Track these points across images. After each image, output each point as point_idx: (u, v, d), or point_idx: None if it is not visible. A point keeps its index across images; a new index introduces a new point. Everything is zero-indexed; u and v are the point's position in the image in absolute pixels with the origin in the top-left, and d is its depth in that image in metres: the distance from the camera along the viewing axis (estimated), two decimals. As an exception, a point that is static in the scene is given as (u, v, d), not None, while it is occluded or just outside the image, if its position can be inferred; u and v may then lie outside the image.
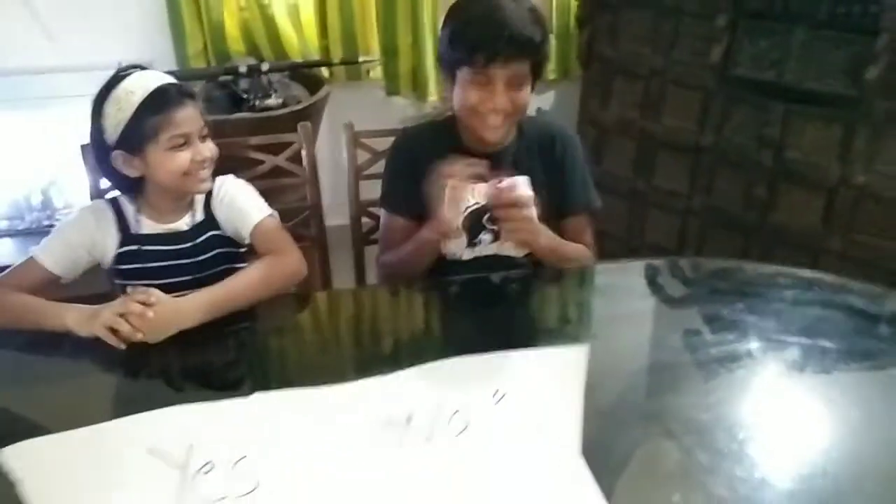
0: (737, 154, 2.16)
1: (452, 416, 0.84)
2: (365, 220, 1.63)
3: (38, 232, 2.26)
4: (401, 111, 2.68)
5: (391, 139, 1.55)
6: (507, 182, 1.27)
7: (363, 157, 1.60)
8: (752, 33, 2.05)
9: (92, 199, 1.49)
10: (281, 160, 1.55)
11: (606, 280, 1.45)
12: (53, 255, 1.26)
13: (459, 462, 0.86)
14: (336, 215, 1.74)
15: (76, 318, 1.14)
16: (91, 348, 1.11)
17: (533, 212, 1.30)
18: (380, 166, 1.56)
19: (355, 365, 1.17)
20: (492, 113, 1.31)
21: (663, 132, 2.32)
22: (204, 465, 0.79)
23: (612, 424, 0.99)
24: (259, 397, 0.77)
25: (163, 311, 1.13)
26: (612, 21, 2.38)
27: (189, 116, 1.25)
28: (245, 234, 1.34)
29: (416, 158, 1.42)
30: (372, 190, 1.57)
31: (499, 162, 1.40)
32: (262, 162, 1.54)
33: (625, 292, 1.36)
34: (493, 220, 1.40)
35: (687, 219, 2.35)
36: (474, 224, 1.40)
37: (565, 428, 0.89)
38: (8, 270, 1.24)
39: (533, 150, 1.44)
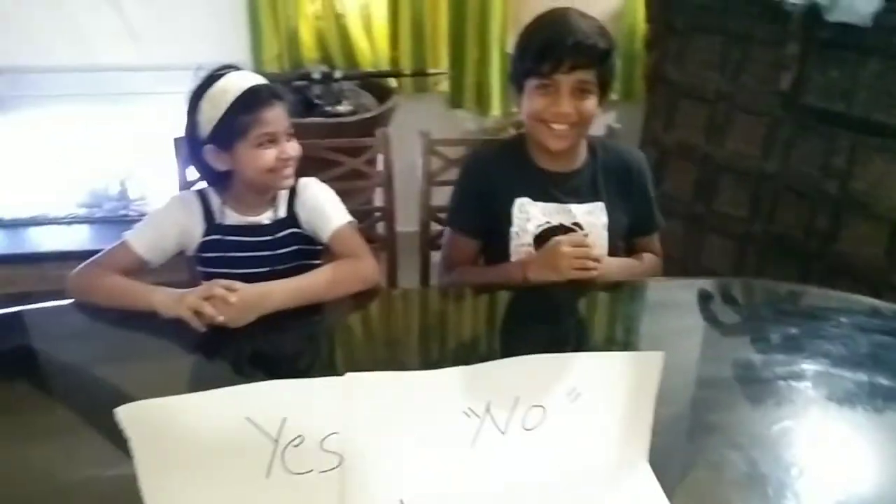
0: (801, 182, 2.16)
1: (528, 410, 0.88)
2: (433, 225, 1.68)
3: (113, 220, 2.37)
4: (463, 124, 2.74)
5: (461, 148, 1.60)
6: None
7: (435, 163, 1.65)
8: (823, 62, 2.05)
9: (180, 189, 1.58)
10: (359, 163, 1.61)
11: (671, 295, 1.47)
12: (145, 241, 1.32)
13: (532, 456, 0.89)
14: (402, 221, 1.79)
15: (163, 300, 1.21)
16: (181, 328, 1.18)
17: (603, 256, 1.35)
18: (450, 174, 1.61)
19: (435, 357, 1.25)
20: (557, 120, 1.35)
21: (726, 157, 2.33)
22: (294, 439, 0.83)
23: (676, 434, 1.01)
24: (351, 377, 0.81)
25: (245, 297, 1.20)
26: (680, 45, 2.40)
27: (277, 116, 1.31)
28: (324, 235, 1.39)
29: (486, 179, 1.47)
30: (441, 197, 1.62)
31: (574, 182, 1.45)
32: (338, 164, 1.60)
33: (688, 308, 1.38)
34: None
35: (745, 245, 2.34)
36: (546, 241, 1.43)
37: (636, 432, 0.92)
38: (102, 253, 1.31)
39: (607, 173, 1.47)
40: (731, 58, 2.26)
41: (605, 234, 1.46)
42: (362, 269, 1.35)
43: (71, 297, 1.26)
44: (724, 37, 2.27)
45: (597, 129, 1.61)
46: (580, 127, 1.38)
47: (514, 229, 1.45)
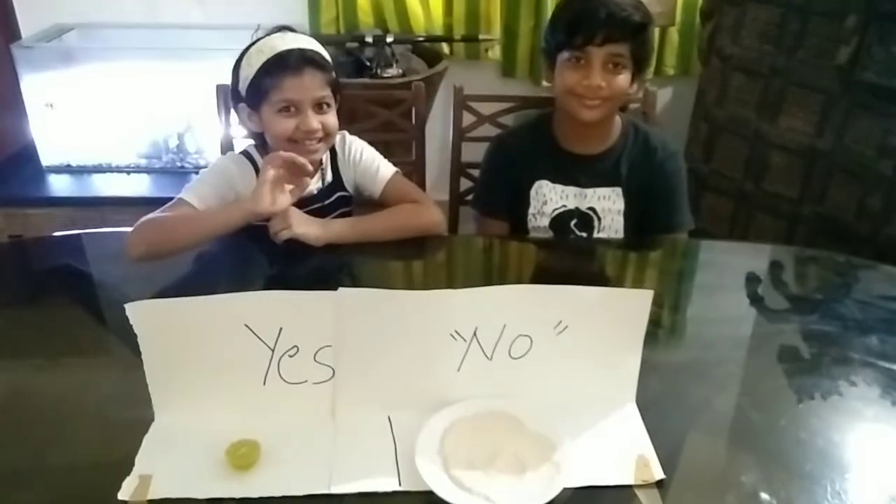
0: (855, 162, 2.09)
1: (515, 339, 0.90)
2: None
3: (171, 171, 2.49)
4: (514, 92, 2.74)
5: (498, 105, 1.61)
6: None
7: (468, 119, 1.67)
8: (884, 36, 1.97)
9: (223, 143, 1.64)
10: (394, 115, 1.64)
11: (711, 256, 1.47)
12: (201, 198, 1.29)
13: (516, 384, 0.92)
14: (437, 182, 1.81)
15: (253, 198, 1.21)
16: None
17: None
18: (485, 130, 1.63)
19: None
20: (588, 94, 1.34)
21: (778, 134, 2.27)
22: (290, 349, 0.88)
23: (672, 380, 1.02)
24: (343, 292, 0.85)
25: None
26: (737, 16, 2.34)
27: (302, 85, 1.27)
28: (376, 189, 1.40)
29: (510, 160, 1.48)
30: (472, 152, 1.64)
31: (597, 166, 1.45)
32: (374, 115, 1.64)
33: (728, 269, 1.38)
34: (580, 224, 1.45)
35: (794, 225, 2.28)
36: (562, 227, 1.45)
37: (623, 370, 0.93)
38: (159, 210, 1.28)
39: (633, 159, 1.45)
40: (788, 30, 2.19)
41: (620, 220, 1.45)
42: (429, 214, 1.37)
43: (133, 257, 1.22)
44: (781, 8, 2.20)
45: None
46: (612, 102, 1.37)
47: (531, 211, 1.47)
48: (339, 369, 0.90)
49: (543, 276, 1.33)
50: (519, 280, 1.32)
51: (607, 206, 1.44)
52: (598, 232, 1.47)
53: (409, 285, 1.29)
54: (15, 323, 1.15)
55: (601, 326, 0.90)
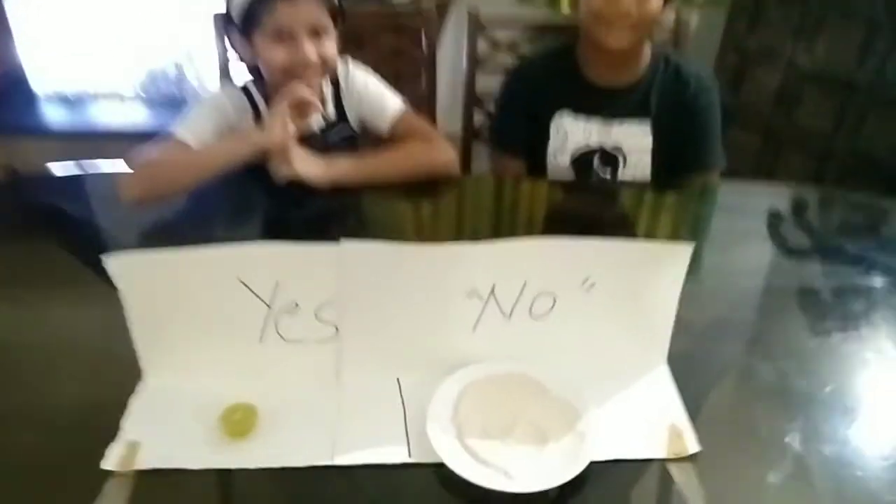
0: (895, 96, 1.95)
1: (537, 297, 0.82)
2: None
3: (169, 101, 2.37)
4: (531, 19, 2.58)
5: (516, 32, 1.49)
6: None
7: (483, 47, 1.55)
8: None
9: (221, 74, 1.52)
10: (402, 41, 1.52)
11: (733, 199, 1.36)
12: (197, 134, 1.19)
13: (537, 346, 0.84)
14: (448, 115, 1.70)
15: (259, 134, 1.15)
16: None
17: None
18: (501, 59, 1.51)
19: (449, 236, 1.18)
20: (616, 20, 1.23)
21: (813, 64, 2.12)
22: (289, 305, 0.80)
23: (704, 338, 0.94)
24: (347, 246, 0.77)
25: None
26: (773, -65, 2.17)
27: (296, 9, 1.15)
28: (384, 125, 1.30)
29: (530, 90, 1.36)
30: (487, 84, 1.52)
31: (624, 99, 1.33)
32: (381, 42, 1.52)
33: (749, 213, 1.28)
34: (604, 163, 1.34)
35: (825, 163, 2.16)
36: (584, 166, 1.34)
37: (655, 330, 0.85)
38: (149, 148, 1.17)
39: (664, 92, 1.34)
40: (831, -50, 2.02)
41: (647, 159, 1.34)
42: (439, 152, 1.27)
43: (126, 204, 1.13)
44: (824, -74, 2.03)
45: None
46: (641, 27, 1.26)
47: (551, 148, 1.36)
48: (343, 328, 0.82)
49: (564, 222, 1.24)
50: (536, 227, 1.23)
51: (634, 143, 1.33)
52: (623, 171, 1.36)
53: (419, 233, 1.20)
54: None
55: (633, 283, 0.81)
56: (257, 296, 0.79)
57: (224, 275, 0.78)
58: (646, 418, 0.79)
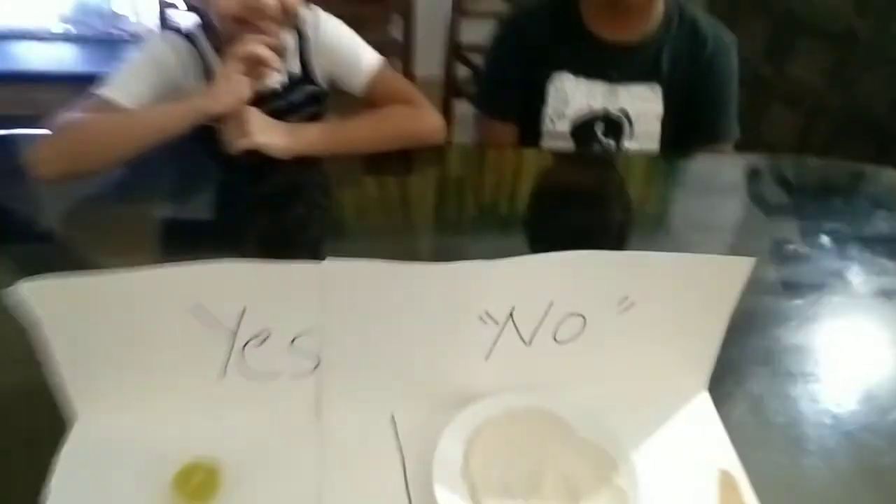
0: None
1: (564, 319, 0.67)
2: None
3: (99, 40, 2.11)
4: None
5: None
6: None
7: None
8: None
9: (161, 12, 1.30)
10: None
11: (717, 172, 1.23)
12: (130, 95, 1.01)
13: (560, 372, 0.70)
14: (425, 67, 1.51)
15: (209, 94, 0.97)
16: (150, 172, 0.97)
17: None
18: (491, 4, 1.32)
19: (446, 230, 1.03)
20: None
21: (810, 13, 1.99)
22: (258, 334, 0.64)
23: (741, 364, 0.81)
24: (331, 265, 0.60)
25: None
26: None
27: None
28: (358, 83, 1.12)
29: (523, 45, 1.19)
30: (473, 31, 1.34)
31: (633, 57, 1.16)
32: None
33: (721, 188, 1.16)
34: (608, 130, 1.19)
35: (816, 118, 2.05)
36: (586, 133, 1.19)
37: (697, 352, 0.72)
38: (70, 112, 0.97)
39: (677, 51, 1.17)
40: None
41: (655, 127, 1.19)
42: (424, 117, 1.10)
43: (41, 178, 0.95)
44: None
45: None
46: None
47: (548, 111, 1.20)
48: (325, 357, 0.66)
49: (562, 197, 1.09)
50: (529, 203, 1.07)
51: (642, 107, 1.18)
52: (630, 140, 1.21)
53: (400, 218, 1.04)
54: None
55: (681, 302, 0.68)
56: (219, 323, 0.63)
57: (177, 299, 0.62)
58: (692, 463, 0.67)
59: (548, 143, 1.22)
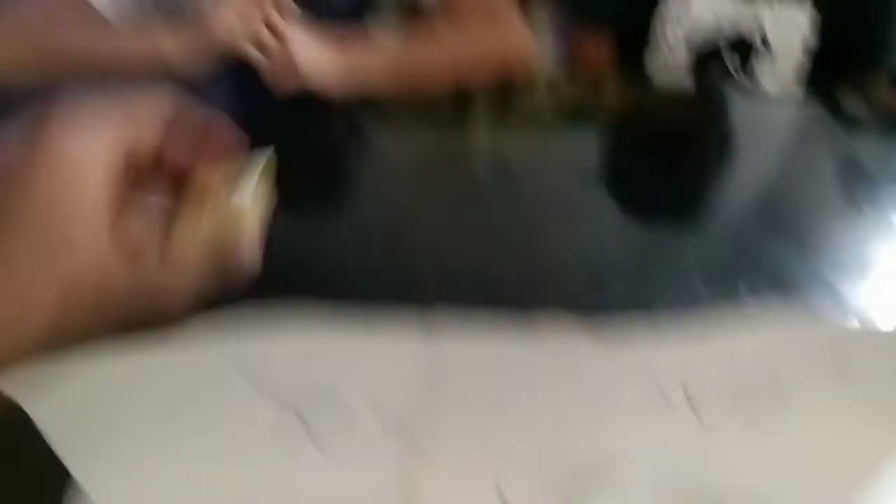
0: None
1: (755, 398, 0.49)
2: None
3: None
4: None
5: None
6: None
7: None
8: None
9: None
10: None
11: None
12: None
13: (748, 463, 0.52)
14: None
15: (177, 46, 0.74)
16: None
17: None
18: None
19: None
20: None
21: None
22: (336, 410, 0.47)
23: None
24: (444, 348, 0.42)
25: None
26: None
27: None
28: None
29: None
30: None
31: None
32: None
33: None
34: (736, 54, 0.95)
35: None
36: (706, 56, 0.94)
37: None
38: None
39: None
40: None
41: (796, 50, 0.95)
42: (514, 37, 0.86)
43: None
44: None
45: None
46: None
47: (660, 23, 0.95)
48: (427, 442, 0.49)
49: (677, 140, 0.87)
50: (638, 145, 0.85)
51: (786, 33, 0.94)
52: (762, 66, 0.97)
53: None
54: None
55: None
56: (284, 406, 0.46)
57: (226, 375, 0.44)
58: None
59: (656, 64, 0.98)
